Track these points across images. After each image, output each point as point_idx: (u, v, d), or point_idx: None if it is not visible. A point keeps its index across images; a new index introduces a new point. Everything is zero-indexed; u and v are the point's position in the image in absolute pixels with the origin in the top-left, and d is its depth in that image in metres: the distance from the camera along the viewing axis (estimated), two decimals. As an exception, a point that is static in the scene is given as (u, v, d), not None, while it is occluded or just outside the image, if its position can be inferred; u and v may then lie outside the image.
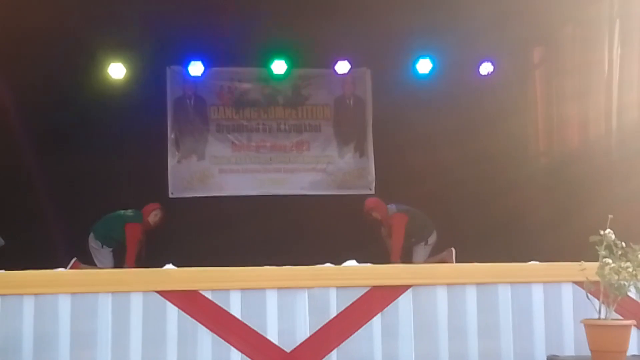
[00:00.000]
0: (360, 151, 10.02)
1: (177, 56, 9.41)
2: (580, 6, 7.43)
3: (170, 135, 9.63)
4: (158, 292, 4.69)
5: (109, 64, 9.17)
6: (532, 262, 5.13)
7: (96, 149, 8.88)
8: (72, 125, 8.96)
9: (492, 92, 9.02)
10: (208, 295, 4.74)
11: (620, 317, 4.52)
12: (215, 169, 9.58)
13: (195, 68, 9.44)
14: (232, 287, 4.76)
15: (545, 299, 4.93)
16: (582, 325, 4.53)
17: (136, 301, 4.66)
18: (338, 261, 5.18)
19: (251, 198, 9.52)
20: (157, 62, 9.28)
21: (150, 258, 5.58)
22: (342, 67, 9.67)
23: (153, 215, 8.39)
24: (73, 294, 4.61)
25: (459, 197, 8.96)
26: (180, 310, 4.69)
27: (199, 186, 9.66)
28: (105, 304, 4.63)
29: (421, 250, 8.40)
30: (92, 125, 8.95)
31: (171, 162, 9.57)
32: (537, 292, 4.94)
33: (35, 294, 4.59)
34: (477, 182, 8.48)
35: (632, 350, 4.59)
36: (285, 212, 9.24)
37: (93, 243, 8.38)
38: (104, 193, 8.80)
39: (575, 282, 4.86)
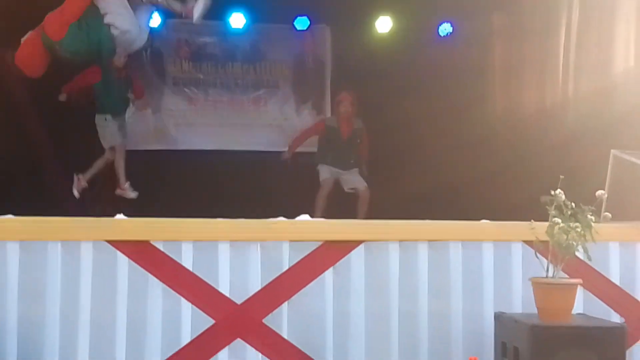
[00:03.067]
0: (318, 109, 9.99)
1: (135, 7, 9.23)
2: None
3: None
4: (109, 241, 4.64)
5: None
6: (484, 221, 5.18)
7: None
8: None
9: (450, 54, 9.03)
10: (159, 246, 4.70)
11: (567, 277, 4.59)
12: (171, 123, 9.48)
13: (153, 19, 9.27)
14: (184, 238, 4.73)
15: (495, 258, 5.00)
16: (530, 283, 4.60)
17: (86, 250, 4.60)
18: (292, 216, 5.17)
19: (207, 153, 9.46)
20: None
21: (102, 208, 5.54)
22: (302, 23, 9.59)
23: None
24: (21, 241, 4.55)
25: (414, 154, 9.00)
26: (130, 261, 4.65)
27: (154, 140, 9.56)
28: (54, 252, 4.57)
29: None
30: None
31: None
32: (488, 251, 4.99)
33: (-17, 241, 4.52)
34: (433, 140, 8.53)
35: (577, 308, 4.68)
36: (241, 168, 9.21)
37: (99, 122, 8.36)
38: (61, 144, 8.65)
39: (525, 242, 4.93)
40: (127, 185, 8.33)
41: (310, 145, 9.72)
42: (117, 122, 8.39)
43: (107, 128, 8.32)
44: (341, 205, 8.38)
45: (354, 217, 8.07)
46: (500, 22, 8.92)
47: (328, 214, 7.33)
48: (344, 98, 8.73)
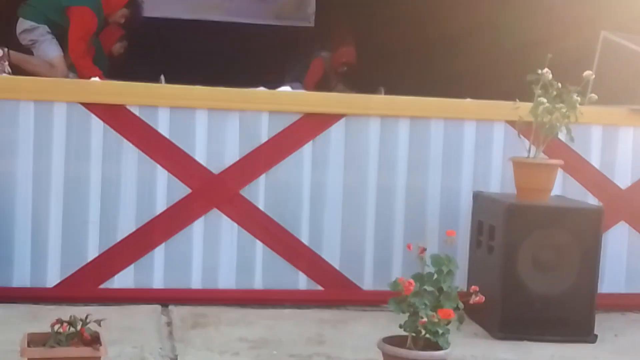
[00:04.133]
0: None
1: None
2: None
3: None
4: (82, 103, 4.52)
5: None
6: (467, 100, 5.10)
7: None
8: None
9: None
10: (135, 110, 4.60)
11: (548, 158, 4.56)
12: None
13: None
14: (161, 104, 4.64)
15: (477, 137, 4.96)
16: (510, 164, 4.57)
17: (59, 111, 4.49)
18: (272, 88, 5.06)
19: (185, 21, 9.19)
20: None
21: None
22: None
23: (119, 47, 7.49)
24: (-7, 99, 4.42)
25: (396, 28, 8.77)
26: (105, 124, 4.55)
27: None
28: (27, 112, 4.45)
29: None
30: None
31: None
32: (470, 129, 4.95)
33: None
34: (414, 9, 8.28)
35: (556, 190, 4.67)
36: (220, 39, 8.93)
37: (26, 26, 6.35)
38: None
39: (508, 122, 4.87)
40: None
41: (293, 20, 9.52)
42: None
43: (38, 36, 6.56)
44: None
45: None
46: None
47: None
48: (347, 57, 8.16)
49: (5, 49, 6.12)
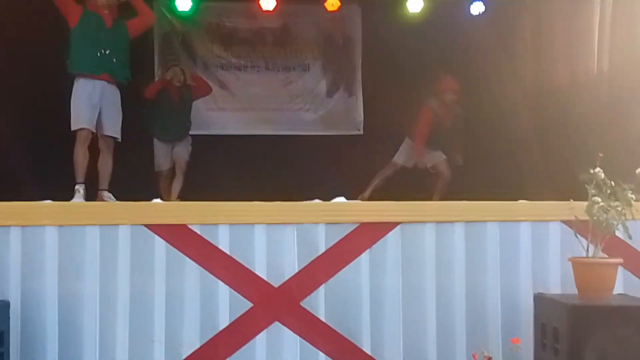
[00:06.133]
0: (349, 91, 9.92)
1: (164, -10, 9.24)
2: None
3: (157, 72, 9.49)
4: (146, 225, 4.67)
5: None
6: (521, 201, 5.13)
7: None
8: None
9: (481, 31, 8.91)
10: (196, 229, 4.73)
11: (607, 256, 4.54)
12: (203, 107, 9.47)
13: (183, 2, 9.28)
14: (220, 221, 4.76)
15: (533, 237, 4.96)
16: (568, 263, 4.56)
17: (124, 234, 4.65)
18: (327, 198, 5.17)
19: (238, 137, 9.44)
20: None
21: (137, 192, 5.55)
22: (332, 3, 9.52)
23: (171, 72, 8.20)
24: (60, 226, 4.60)
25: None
26: (168, 244, 4.69)
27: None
28: (93, 236, 4.62)
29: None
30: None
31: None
32: (525, 231, 4.96)
33: (22, 226, 4.57)
34: (465, 120, 8.41)
35: (617, 289, 4.63)
36: (273, 152, 9.18)
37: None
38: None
39: (564, 221, 4.88)
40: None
41: (343, 129, 9.71)
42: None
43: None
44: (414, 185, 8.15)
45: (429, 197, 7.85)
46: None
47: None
48: (450, 87, 8.28)
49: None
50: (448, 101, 8.27)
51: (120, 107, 6.69)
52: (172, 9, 9.44)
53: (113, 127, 6.58)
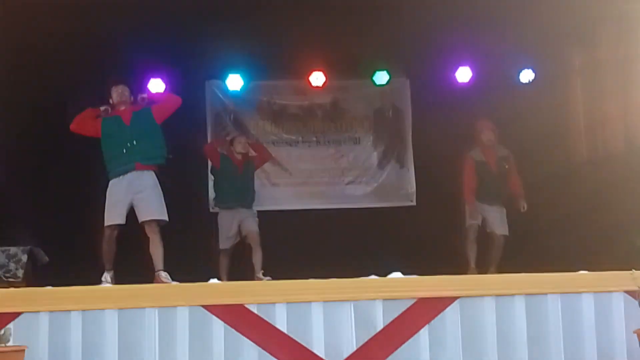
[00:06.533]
0: (401, 162, 9.94)
1: (216, 70, 9.42)
2: (616, 2, 7.32)
3: (211, 150, 9.61)
4: (204, 306, 4.69)
5: (148, 80, 9.20)
6: (582, 272, 5.04)
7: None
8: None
9: (532, 98, 8.90)
10: (253, 309, 4.74)
11: (674, 327, 4.42)
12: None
13: (234, 82, 9.46)
14: (277, 300, 4.76)
15: (596, 309, 4.86)
16: (634, 336, 4.44)
17: (182, 315, 4.67)
18: (382, 273, 5.14)
19: (291, 212, 9.48)
20: (195, 76, 9.30)
21: (194, 273, 5.58)
22: (381, 77, 9.62)
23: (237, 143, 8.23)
24: (120, 309, 4.64)
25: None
26: (225, 324, 4.70)
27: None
28: (151, 318, 4.65)
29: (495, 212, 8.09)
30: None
31: (211, 177, 9.56)
32: (588, 302, 4.87)
33: (83, 310, 4.62)
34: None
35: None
36: (326, 226, 9.19)
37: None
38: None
39: (627, 292, 4.77)
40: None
41: (395, 200, 9.69)
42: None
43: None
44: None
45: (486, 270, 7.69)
46: (581, 59, 8.76)
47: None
48: (485, 126, 8.18)
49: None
50: (487, 142, 8.13)
51: (159, 189, 6.68)
52: (223, 89, 9.63)
53: (150, 211, 6.57)
